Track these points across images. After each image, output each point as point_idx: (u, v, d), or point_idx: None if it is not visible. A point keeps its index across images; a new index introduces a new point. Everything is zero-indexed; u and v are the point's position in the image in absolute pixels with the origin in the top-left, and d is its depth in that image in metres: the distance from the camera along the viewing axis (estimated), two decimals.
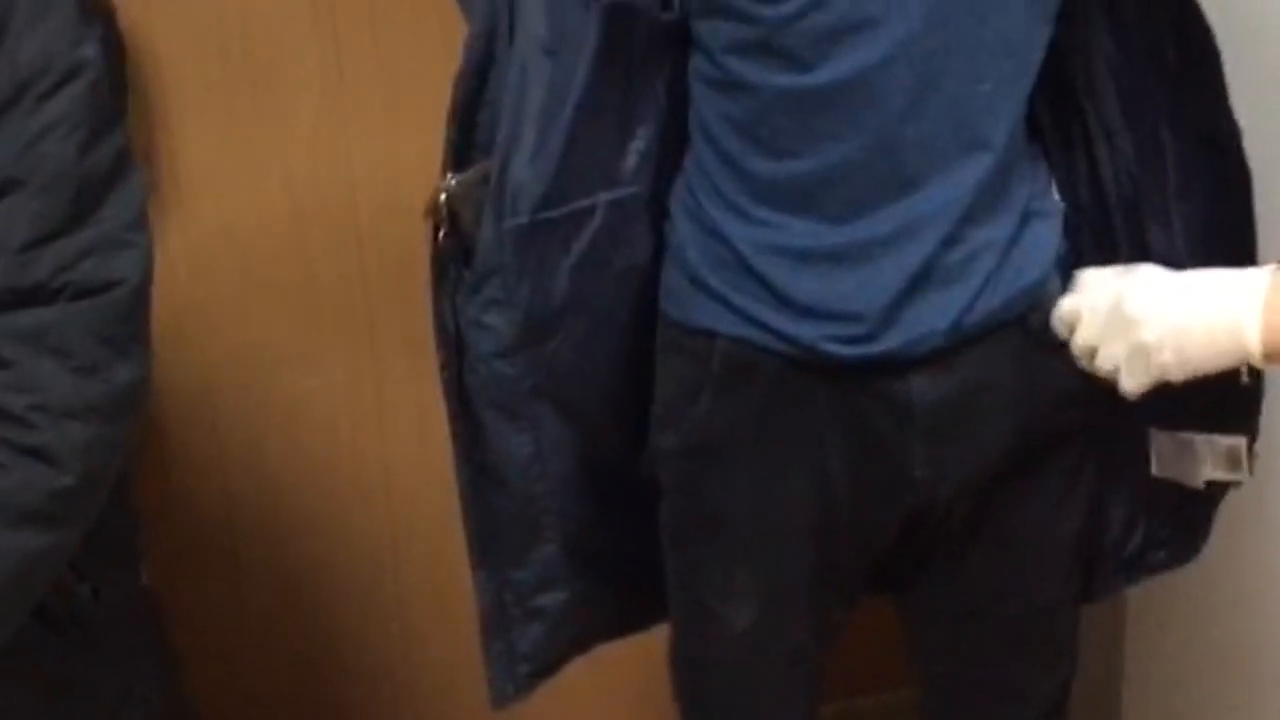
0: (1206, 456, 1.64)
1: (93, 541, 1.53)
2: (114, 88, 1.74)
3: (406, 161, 2.29)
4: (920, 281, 1.59)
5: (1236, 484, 1.72)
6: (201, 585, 2.45)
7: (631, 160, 1.65)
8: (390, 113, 2.32)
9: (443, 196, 1.65)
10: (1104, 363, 1.57)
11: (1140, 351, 1.53)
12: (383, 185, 2.33)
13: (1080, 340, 1.60)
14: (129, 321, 1.44)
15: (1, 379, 1.38)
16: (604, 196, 1.64)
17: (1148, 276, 1.56)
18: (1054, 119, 1.69)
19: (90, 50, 1.45)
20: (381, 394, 2.45)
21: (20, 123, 1.40)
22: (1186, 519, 1.82)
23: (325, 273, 2.38)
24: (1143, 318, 1.53)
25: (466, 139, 1.65)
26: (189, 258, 2.32)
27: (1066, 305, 1.62)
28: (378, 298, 2.40)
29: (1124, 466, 1.78)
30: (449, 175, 1.65)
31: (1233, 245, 1.65)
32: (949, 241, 1.59)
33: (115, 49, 2.13)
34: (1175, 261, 1.63)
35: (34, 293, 1.39)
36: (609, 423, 1.76)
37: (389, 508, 2.51)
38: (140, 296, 1.45)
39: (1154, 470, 1.73)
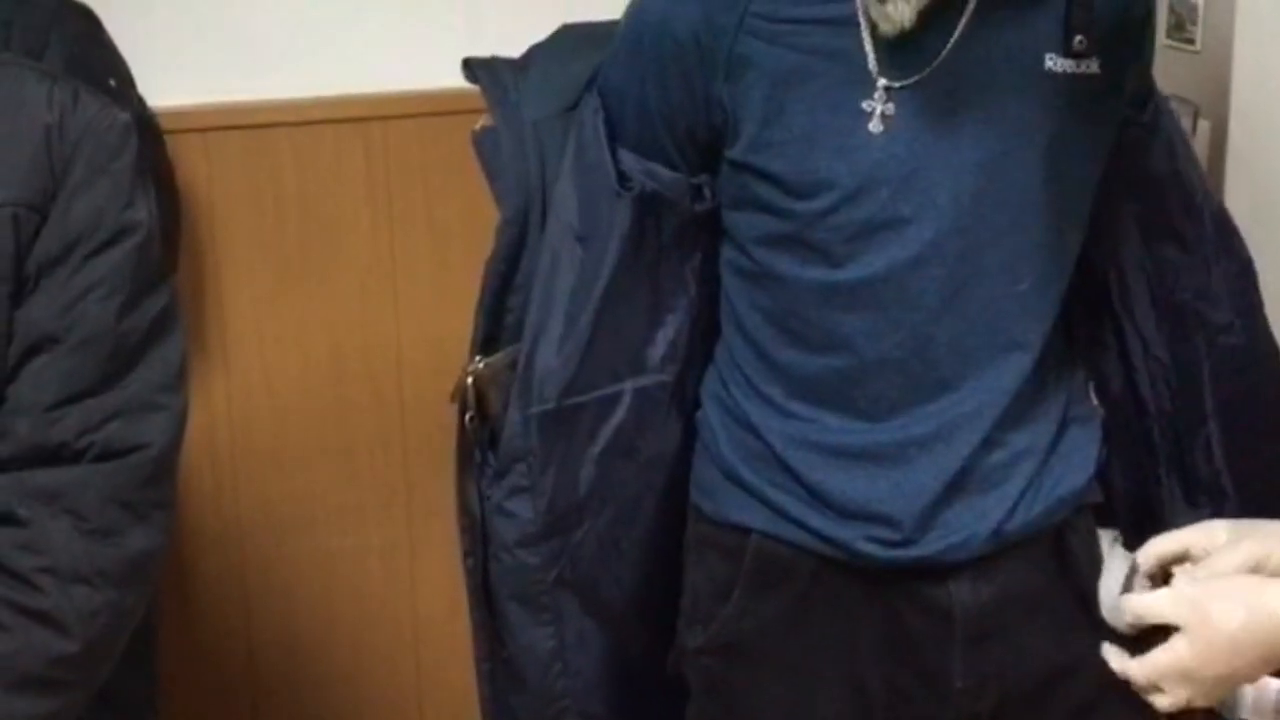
0: (1248, 694, 1.58)
1: (105, 701, 1.50)
2: (167, 241, 1.75)
3: (452, 331, 2.27)
4: (959, 485, 1.55)
5: None
6: None
7: (660, 348, 1.63)
8: (438, 282, 2.34)
9: (470, 380, 1.64)
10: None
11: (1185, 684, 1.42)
12: (427, 353, 2.34)
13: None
14: (150, 487, 1.41)
15: (13, 538, 1.36)
16: (631, 384, 1.62)
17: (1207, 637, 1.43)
18: (1087, 323, 1.67)
19: (142, 212, 1.45)
20: (415, 559, 2.44)
21: (65, 281, 1.40)
22: None
23: (365, 435, 2.38)
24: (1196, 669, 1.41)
25: (495, 323, 1.65)
26: (230, 409, 2.33)
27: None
28: (417, 464, 2.39)
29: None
30: (477, 358, 1.65)
31: (1271, 463, 1.63)
32: (987, 445, 1.55)
33: (171, 203, 2.16)
34: (1212, 476, 1.61)
35: (57, 452, 1.37)
36: (634, 617, 1.71)
37: (417, 673, 2.49)
38: (165, 462, 1.42)
39: None
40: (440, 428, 2.33)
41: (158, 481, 1.42)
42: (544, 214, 1.61)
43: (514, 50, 1.72)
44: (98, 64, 2.03)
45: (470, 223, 2.30)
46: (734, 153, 1.53)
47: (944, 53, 1.47)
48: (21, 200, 1.38)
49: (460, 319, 2.27)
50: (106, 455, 1.39)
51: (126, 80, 2.09)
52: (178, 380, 1.46)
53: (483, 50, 1.72)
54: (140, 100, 2.10)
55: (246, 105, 2.29)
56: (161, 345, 1.45)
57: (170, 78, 2.19)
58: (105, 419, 1.39)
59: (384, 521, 2.42)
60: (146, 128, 2.03)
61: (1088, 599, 1.57)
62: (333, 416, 2.37)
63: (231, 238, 2.30)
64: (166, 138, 2.19)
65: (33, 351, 1.39)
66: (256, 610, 2.42)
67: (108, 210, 1.42)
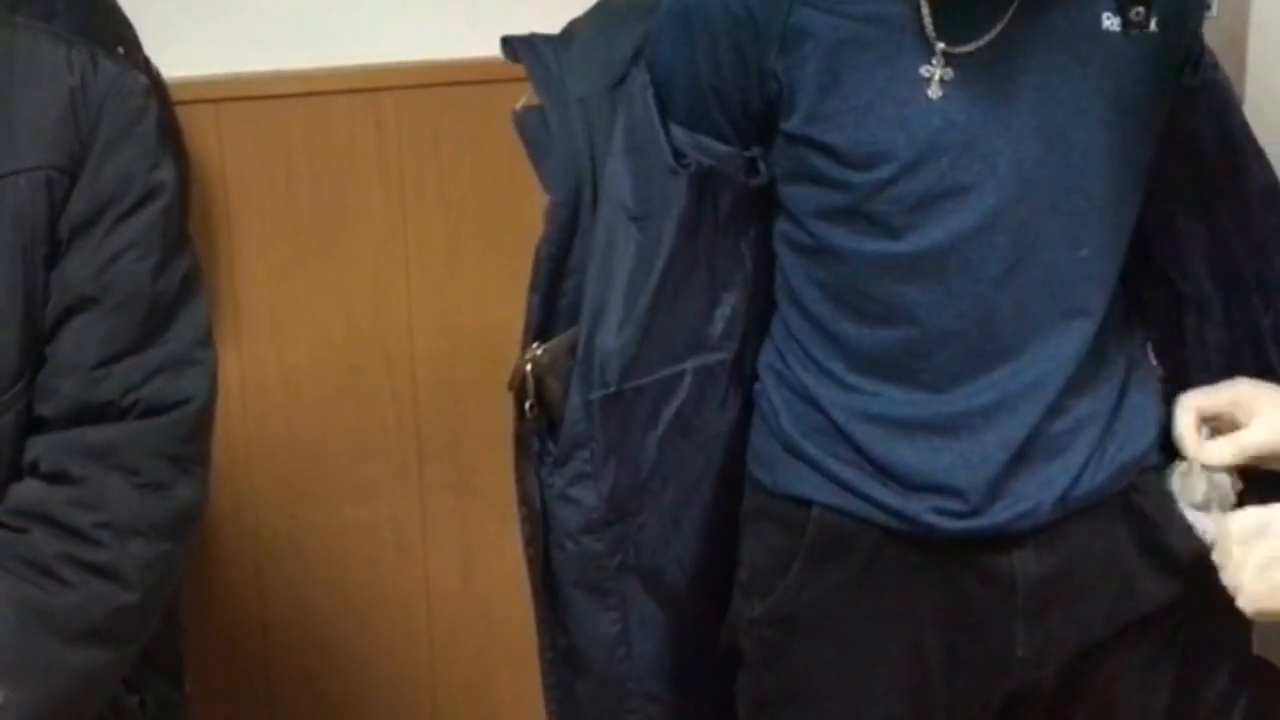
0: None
1: (144, 656, 1.52)
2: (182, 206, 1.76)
3: (464, 307, 2.32)
4: (1024, 454, 1.55)
5: None
6: (235, 707, 2.43)
7: (719, 326, 1.61)
8: (451, 254, 2.34)
9: (528, 368, 1.61)
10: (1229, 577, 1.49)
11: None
12: (439, 329, 2.35)
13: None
14: (193, 440, 1.45)
15: (70, 495, 1.39)
16: (692, 363, 1.60)
17: None
18: (1144, 284, 1.66)
19: (168, 174, 1.47)
20: (427, 531, 2.44)
21: (99, 243, 1.42)
22: None
23: (378, 409, 2.38)
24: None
25: (550, 308, 1.62)
26: (243, 381, 2.32)
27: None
28: (429, 437, 2.39)
29: (1224, 642, 1.69)
30: (534, 345, 1.61)
31: None
32: (1052, 412, 1.55)
33: (183, 166, 2.14)
34: None
35: (104, 410, 1.40)
36: (692, 593, 1.69)
37: (430, 642, 2.49)
38: (205, 415, 1.46)
39: (1254, 648, 1.67)
40: (452, 402, 2.36)
41: (199, 435, 1.47)
42: (595, 194, 1.59)
43: (529, 16, 1.71)
44: (105, 31, 2.01)
45: (482, 192, 2.31)
46: (789, 125, 1.52)
47: (1004, 17, 1.47)
48: (52, 163, 1.41)
49: (473, 295, 2.31)
50: (151, 411, 1.42)
51: (134, 45, 2.07)
52: (208, 336, 1.50)
53: (495, 16, 1.71)
54: (147, 62, 2.08)
55: (258, 76, 2.28)
56: (191, 303, 1.48)
57: (181, 49, 2.17)
58: (148, 376, 1.42)
59: (396, 493, 2.42)
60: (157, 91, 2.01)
61: (1160, 555, 1.59)
62: (345, 388, 2.36)
63: (244, 210, 2.29)
64: (178, 109, 2.18)
65: (71, 312, 1.42)
66: (270, 581, 2.42)
67: (136, 172, 1.44)
